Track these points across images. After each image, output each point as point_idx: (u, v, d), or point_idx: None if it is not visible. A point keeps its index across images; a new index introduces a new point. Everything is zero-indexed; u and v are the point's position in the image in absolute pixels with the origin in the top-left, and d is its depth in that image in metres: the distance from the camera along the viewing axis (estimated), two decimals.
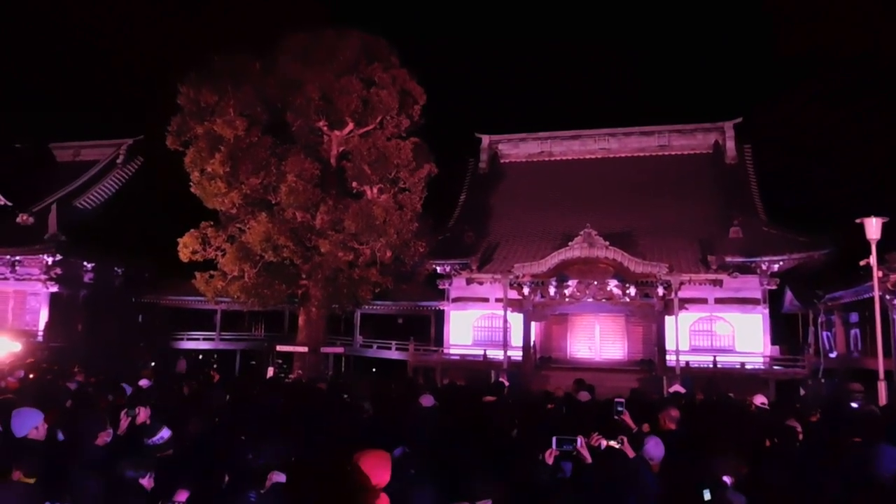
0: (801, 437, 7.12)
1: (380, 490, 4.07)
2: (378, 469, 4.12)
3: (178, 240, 23.41)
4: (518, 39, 77.56)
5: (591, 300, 26.28)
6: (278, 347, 27.76)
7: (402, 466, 4.80)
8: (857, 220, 16.24)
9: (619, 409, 6.87)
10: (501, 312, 27.26)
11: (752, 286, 28.21)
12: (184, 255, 23.32)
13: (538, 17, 79.88)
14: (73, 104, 56.69)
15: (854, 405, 10.44)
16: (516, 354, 26.61)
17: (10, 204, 32.09)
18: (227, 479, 5.07)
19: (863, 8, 57.73)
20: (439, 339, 31.40)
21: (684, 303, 26.18)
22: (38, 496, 4.41)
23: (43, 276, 31.12)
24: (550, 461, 5.17)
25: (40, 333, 30.23)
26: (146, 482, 4.53)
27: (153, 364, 18.43)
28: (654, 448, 5.62)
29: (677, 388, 14.82)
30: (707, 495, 4.76)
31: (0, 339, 22.54)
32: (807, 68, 58.60)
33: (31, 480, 4.60)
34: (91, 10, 71.79)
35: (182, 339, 33.96)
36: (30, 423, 5.56)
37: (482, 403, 9.22)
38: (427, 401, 8.58)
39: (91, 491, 4.48)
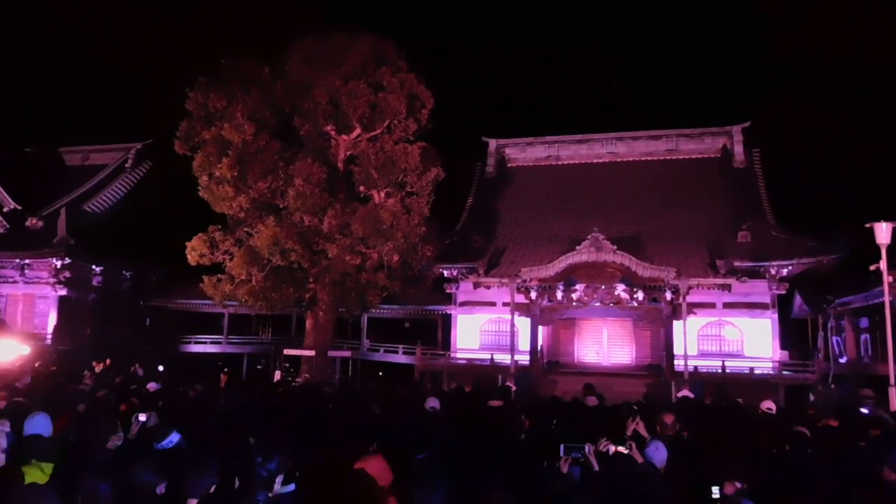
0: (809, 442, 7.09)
1: (386, 491, 4.08)
2: (384, 471, 4.13)
3: (187, 243, 23.50)
4: (525, 43, 77.68)
5: (598, 304, 26.19)
6: (286, 351, 27.82)
7: (419, 471, 4.79)
8: (867, 225, 16.16)
9: (635, 416, 6.87)
10: (509, 316, 27.22)
11: (760, 291, 28.05)
12: (192, 258, 23.42)
13: (545, 20, 79.97)
14: (82, 109, 57.19)
15: (865, 411, 10.36)
16: (524, 359, 26.55)
17: (19, 208, 32.32)
18: (236, 483, 5.07)
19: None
20: (446, 343, 31.37)
21: (692, 307, 26.04)
22: (50, 497, 4.42)
23: (52, 280, 31.32)
24: (566, 469, 5.16)
25: (49, 336, 30.36)
26: (159, 488, 4.54)
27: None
28: (654, 452, 5.64)
29: (686, 393, 14.81)
30: (716, 492, 4.79)
31: (9, 343, 22.65)
32: (815, 71, 58.38)
33: (45, 480, 4.62)
34: (101, 17, 72.37)
35: (190, 343, 34.08)
36: (48, 431, 5.65)
37: (489, 408, 9.20)
38: (432, 403, 8.59)
39: (102, 494, 4.49)
